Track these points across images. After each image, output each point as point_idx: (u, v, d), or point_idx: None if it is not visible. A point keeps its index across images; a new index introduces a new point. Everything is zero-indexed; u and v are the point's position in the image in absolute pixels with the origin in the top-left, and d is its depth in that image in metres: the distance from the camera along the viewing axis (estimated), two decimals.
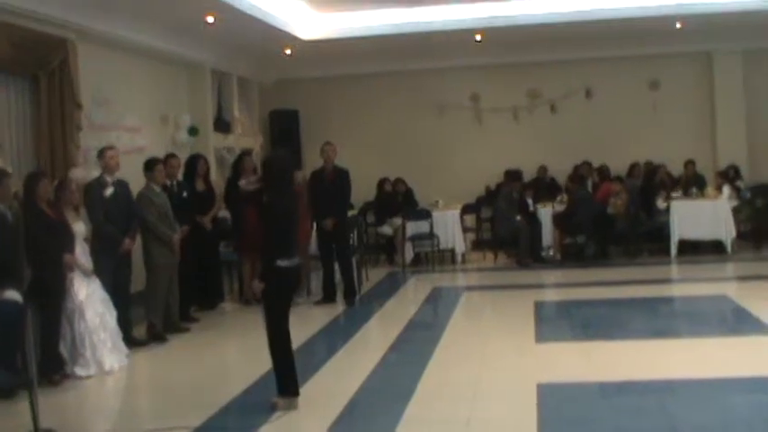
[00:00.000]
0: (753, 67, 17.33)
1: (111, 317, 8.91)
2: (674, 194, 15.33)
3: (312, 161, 13.30)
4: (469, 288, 13.96)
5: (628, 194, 15.05)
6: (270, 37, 14.82)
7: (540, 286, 13.55)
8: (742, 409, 6.62)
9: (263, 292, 7.02)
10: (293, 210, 7.20)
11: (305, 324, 10.37)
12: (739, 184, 15.92)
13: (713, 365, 7.90)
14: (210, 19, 12.77)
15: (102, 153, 9.70)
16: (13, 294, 7.39)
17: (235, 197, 11.99)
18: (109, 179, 9.57)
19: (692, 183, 15.78)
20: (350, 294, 12.11)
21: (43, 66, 10.25)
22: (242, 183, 11.86)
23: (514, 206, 15.28)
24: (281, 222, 7.01)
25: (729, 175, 15.91)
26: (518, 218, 15.09)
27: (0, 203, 7.80)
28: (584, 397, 7.18)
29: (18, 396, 7.21)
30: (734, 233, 14.75)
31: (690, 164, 16.36)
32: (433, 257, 15.44)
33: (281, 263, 6.94)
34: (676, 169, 16.50)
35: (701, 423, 6.32)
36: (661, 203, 15.11)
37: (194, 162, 11.94)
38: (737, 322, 10.26)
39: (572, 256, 15.06)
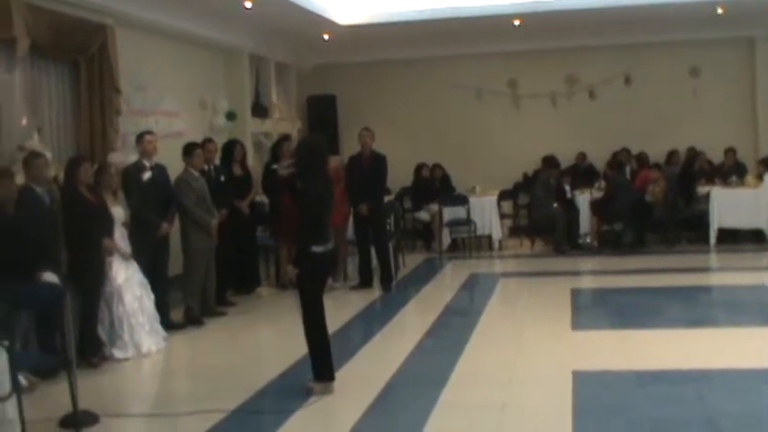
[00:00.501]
0: None
1: (149, 300, 9.00)
2: (713, 182, 15.19)
3: (350, 146, 13.31)
4: (506, 274, 13.92)
5: (666, 182, 14.93)
6: (308, 22, 14.81)
7: (577, 273, 13.49)
8: None
9: (298, 277, 7.05)
10: (327, 195, 7.22)
11: (341, 309, 10.42)
12: None
13: (751, 356, 7.82)
14: (248, 4, 12.78)
15: (140, 138, 9.77)
16: (51, 277, 7.47)
17: (272, 182, 12.01)
18: (147, 163, 9.64)
19: (732, 171, 15.63)
20: (386, 280, 12.13)
21: (82, 51, 10.33)
22: (277, 166, 11.86)
23: (552, 193, 15.20)
24: (314, 208, 7.02)
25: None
26: (555, 204, 15.02)
27: (37, 186, 7.86)
28: (620, 385, 7.14)
29: (57, 377, 7.28)
30: None
31: (730, 152, 16.19)
32: (469, 243, 15.41)
33: (316, 248, 6.97)
34: (716, 157, 16.36)
35: (737, 413, 6.27)
36: (701, 191, 14.99)
37: (231, 147, 11.97)
38: None
39: (609, 244, 14.96)
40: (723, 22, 16.16)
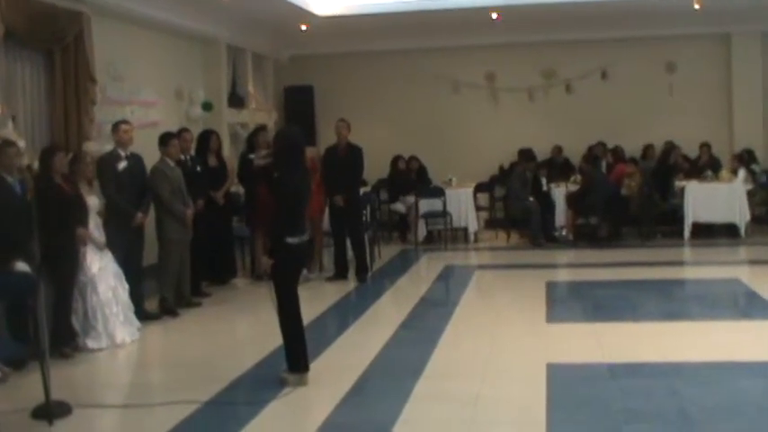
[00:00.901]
0: None
1: (123, 290, 8.97)
2: (689, 177, 15.27)
3: (326, 137, 13.30)
4: (481, 267, 13.97)
5: (642, 176, 14.99)
6: (285, 12, 14.78)
7: (553, 266, 13.52)
8: (751, 393, 6.61)
9: (273, 269, 7.05)
10: (303, 186, 7.21)
11: (316, 300, 10.41)
12: (755, 167, 15.82)
13: (724, 349, 7.88)
14: None
15: (116, 127, 9.72)
16: (24, 267, 7.42)
17: (248, 172, 11.99)
18: (122, 153, 9.60)
19: (707, 165, 15.72)
20: (362, 271, 12.13)
21: (58, 40, 10.25)
22: (253, 156, 11.84)
23: (527, 186, 15.25)
24: (290, 199, 7.02)
25: (744, 159, 15.80)
26: (531, 198, 15.06)
27: (8, 176, 7.80)
28: (594, 378, 7.17)
29: (30, 368, 7.24)
30: (748, 217, 14.66)
31: (705, 146, 16.30)
32: (445, 235, 15.43)
33: (291, 240, 6.96)
34: (692, 152, 16.45)
35: (710, 406, 6.31)
36: (677, 185, 15.07)
37: (207, 137, 11.93)
38: (749, 306, 10.25)
39: (585, 237, 15.01)
40: (699, 18, 16.18)
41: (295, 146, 7.24)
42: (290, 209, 7.01)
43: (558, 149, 17.55)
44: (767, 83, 17.12)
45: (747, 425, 5.93)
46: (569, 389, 6.88)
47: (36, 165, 8.62)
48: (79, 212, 8.49)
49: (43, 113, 10.31)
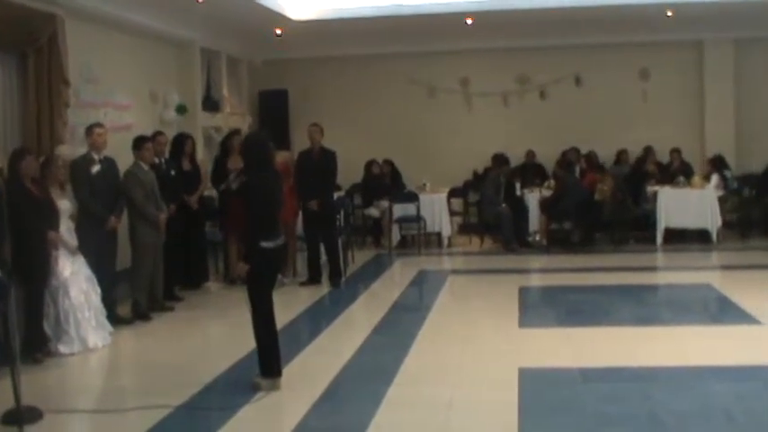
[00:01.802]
0: (744, 56, 17.29)
1: (95, 295, 8.92)
2: (662, 183, 15.37)
3: (301, 142, 13.29)
4: (455, 271, 13.99)
5: (614, 180, 15.07)
6: (260, 16, 14.74)
7: (526, 271, 13.56)
8: (722, 397, 6.66)
9: (247, 273, 7.05)
10: (274, 190, 7.21)
11: (290, 305, 10.40)
12: (726, 173, 15.92)
13: (695, 354, 7.96)
14: None
15: (89, 130, 9.68)
16: None
17: (221, 176, 11.96)
18: (96, 156, 9.57)
19: (678, 171, 15.82)
20: (335, 276, 12.12)
21: (31, 42, 10.17)
22: (228, 181, 11.77)
23: (501, 191, 15.29)
24: (262, 204, 7.02)
25: (718, 164, 15.89)
26: (503, 204, 15.10)
27: None
28: (566, 382, 7.21)
29: (0, 373, 7.19)
30: (720, 222, 14.77)
31: (675, 152, 16.39)
32: (419, 240, 15.45)
33: (265, 244, 6.97)
34: (664, 157, 16.54)
35: (681, 410, 6.36)
36: (649, 191, 15.16)
37: (181, 141, 11.87)
38: (720, 311, 10.31)
39: (558, 242, 15.07)
40: (672, 25, 16.31)
41: (262, 150, 7.24)
42: (262, 213, 7.01)
43: (531, 154, 17.61)
44: (739, 89, 17.25)
45: (718, 429, 5.97)
46: (542, 393, 6.92)
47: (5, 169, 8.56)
48: (50, 216, 8.44)
49: (15, 116, 10.23)
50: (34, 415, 6.50)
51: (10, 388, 6.30)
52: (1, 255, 7.65)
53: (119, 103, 12.54)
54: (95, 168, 9.50)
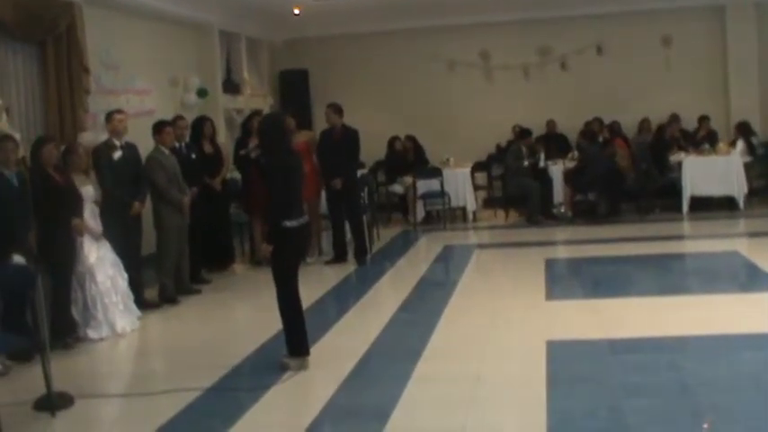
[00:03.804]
0: (766, 19, 17.12)
1: (122, 279, 8.97)
2: (686, 151, 15.27)
3: (323, 121, 13.26)
4: (480, 246, 13.98)
5: (629, 149, 14.97)
6: None
7: (551, 243, 13.51)
8: (751, 365, 6.64)
9: (272, 254, 7.06)
10: (293, 170, 7.18)
11: (316, 284, 10.42)
12: (753, 139, 15.79)
13: (723, 322, 7.90)
14: None
15: (109, 117, 9.70)
16: (20, 260, 7.45)
17: (243, 159, 11.98)
18: (117, 142, 9.58)
19: (704, 139, 15.71)
20: (361, 253, 12.13)
21: (50, 31, 10.21)
22: (247, 150, 11.79)
23: (522, 159, 15.24)
24: (281, 183, 7.00)
25: (744, 130, 15.75)
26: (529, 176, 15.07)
27: (5, 169, 7.79)
28: (594, 354, 7.19)
29: (33, 360, 7.25)
30: (746, 189, 14.67)
31: (704, 120, 16.30)
32: (444, 216, 15.44)
33: (288, 223, 6.97)
34: (689, 125, 16.43)
35: (709, 379, 6.33)
36: (673, 159, 15.07)
37: (200, 124, 11.88)
38: (748, 279, 10.25)
39: (583, 213, 15.02)
40: None
41: (279, 130, 7.23)
42: (281, 193, 6.99)
43: (552, 123, 17.50)
44: (762, 54, 17.07)
45: (747, 397, 5.94)
46: (569, 365, 6.90)
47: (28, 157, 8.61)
48: (73, 203, 8.47)
49: (37, 105, 10.28)
50: (66, 400, 6.56)
51: (41, 374, 6.37)
52: (28, 243, 7.75)
53: (139, 88, 12.56)
54: (117, 154, 9.52)
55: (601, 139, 15.84)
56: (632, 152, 15.17)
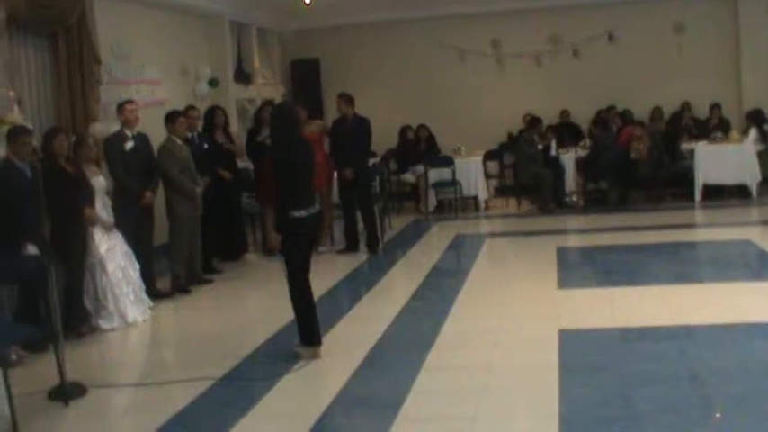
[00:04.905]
0: None
1: (133, 270, 9.00)
2: (698, 139, 15.23)
3: (334, 110, 13.26)
4: (492, 234, 13.99)
5: (650, 139, 14.93)
6: None
7: (563, 232, 13.51)
8: (764, 354, 6.62)
9: (282, 243, 7.07)
10: (303, 160, 7.20)
11: (328, 273, 10.45)
12: (766, 127, 15.71)
13: (735, 311, 7.86)
14: None
15: (120, 107, 9.72)
16: (34, 250, 7.48)
17: (256, 148, 11.98)
18: (129, 133, 9.61)
19: (717, 127, 15.65)
20: (372, 243, 12.14)
21: (61, 22, 10.20)
22: (264, 136, 11.80)
23: (534, 147, 15.22)
24: (290, 173, 7.02)
25: (756, 118, 15.68)
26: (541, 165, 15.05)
27: (18, 160, 7.82)
28: (606, 343, 7.19)
29: (46, 350, 7.28)
30: (759, 177, 14.61)
31: (715, 108, 16.23)
32: (456, 204, 15.44)
33: (296, 213, 6.99)
34: (701, 113, 16.37)
35: (721, 368, 6.31)
36: (685, 147, 15.03)
37: (212, 113, 11.92)
38: (761, 267, 10.24)
39: (595, 202, 15.00)
40: None
41: (288, 120, 7.25)
42: (290, 182, 7.02)
43: (565, 113, 17.48)
44: None
45: (758, 385, 5.93)
46: (581, 354, 6.90)
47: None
48: (85, 194, 8.50)
49: (49, 96, 10.28)
50: (79, 390, 6.61)
51: (54, 364, 6.41)
52: (40, 234, 7.78)
53: (150, 79, 12.56)
54: (129, 145, 9.55)
55: (614, 127, 15.79)
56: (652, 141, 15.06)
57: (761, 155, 14.88)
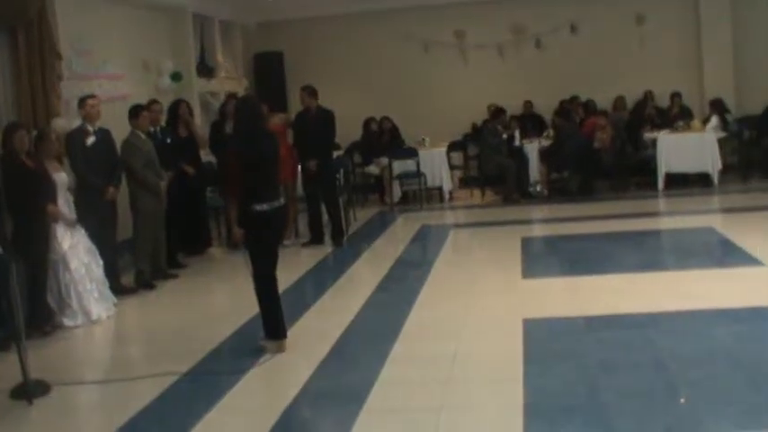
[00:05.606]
0: None
1: (96, 266, 8.93)
2: (660, 128, 15.32)
3: (298, 103, 13.24)
4: (457, 225, 14.03)
5: (613, 128, 15.01)
6: None
7: (528, 222, 13.55)
8: (727, 340, 6.68)
9: (245, 237, 7.06)
10: (266, 154, 7.17)
11: (293, 266, 10.41)
12: (727, 116, 15.84)
13: (699, 298, 7.92)
14: None
15: (82, 102, 9.64)
16: None
17: (221, 141, 11.92)
18: (90, 128, 9.53)
19: (677, 116, 15.76)
20: (337, 235, 12.13)
21: (21, 17, 10.10)
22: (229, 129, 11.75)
23: (500, 143, 15.26)
24: (253, 167, 7.00)
25: (718, 106, 15.79)
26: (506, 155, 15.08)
27: None
28: (570, 331, 7.23)
29: (9, 348, 7.23)
30: (720, 165, 14.72)
31: (675, 96, 16.34)
32: (420, 196, 15.46)
33: (258, 207, 6.96)
34: (663, 102, 16.48)
35: (686, 355, 6.36)
36: (648, 137, 15.12)
37: (176, 107, 11.86)
38: (723, 254, 10.29)
39: (559, 192, 15.07)
40: None
41: (251, 113, 7.23)
42: (254, 176, 6.99)
43: (528, 104, 17.56)
44: (736, 30, 17.08)
45: (721, 371, 5.98)
46: (546, 343, 6.94)
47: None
48: (46, 189, 8.42)
49: (9, 92, 10.19)
50: (43, 388, 6.55)
51: (17, 363, 6.36)
52: (1, 231, 7.68)
53: (112, 73, 12.45)
54: (90, 140, 9.47)
55: (577, 117, 15.87)
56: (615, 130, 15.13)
57: (722, 143, 14.98)
